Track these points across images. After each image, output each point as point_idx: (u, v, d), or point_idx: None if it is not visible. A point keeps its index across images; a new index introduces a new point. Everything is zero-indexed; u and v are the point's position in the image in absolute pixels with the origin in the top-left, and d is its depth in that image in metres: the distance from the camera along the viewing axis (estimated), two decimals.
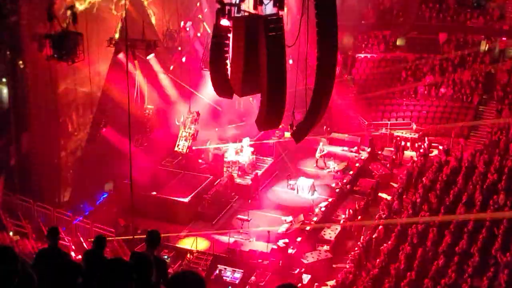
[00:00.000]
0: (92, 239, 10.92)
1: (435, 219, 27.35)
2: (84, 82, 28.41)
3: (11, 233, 23.50)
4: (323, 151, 36.51)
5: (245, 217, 29.85)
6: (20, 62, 25.22)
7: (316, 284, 25.64)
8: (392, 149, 37.63)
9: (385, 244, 26.74)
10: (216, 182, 33.50)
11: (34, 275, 5.80)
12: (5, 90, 26.05)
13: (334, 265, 27.58)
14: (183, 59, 35.96)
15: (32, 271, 5.89)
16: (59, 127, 26.59)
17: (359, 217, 30.59)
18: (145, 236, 9.36)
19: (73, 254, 23.77)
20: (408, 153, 37.05)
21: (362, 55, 43.21)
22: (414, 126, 38.80)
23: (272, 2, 15.89)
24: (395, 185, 33.25)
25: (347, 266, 25.92)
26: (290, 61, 28.07)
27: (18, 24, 24.45)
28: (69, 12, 24.38)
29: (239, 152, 35.08)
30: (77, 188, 28.65)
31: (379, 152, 37.80)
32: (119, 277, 5.86)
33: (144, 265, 7.24)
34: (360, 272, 25.87)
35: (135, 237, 25.21)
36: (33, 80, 25.40)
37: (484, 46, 41.23)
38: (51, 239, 9.82)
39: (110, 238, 26.55)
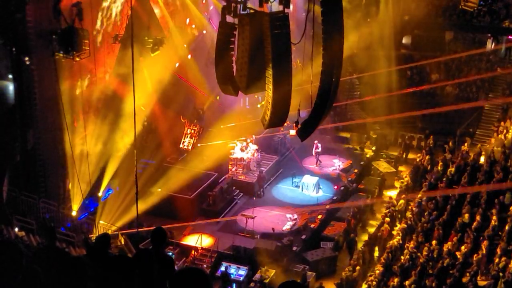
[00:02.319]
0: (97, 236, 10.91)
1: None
2: (90, 78, 28.46)
3: (16, 229, 23.55)
4: (318, 148, 36.55)
5: (250, 215, 29.86)
6: (26, 58, 25.19)
7: (320, 281, 25.64)
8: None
9: (390, 242, 26.73)
10: (221, 179, 33.56)
11: (39, 271, 5.82)
12: (11, 87, 26.06)
13: (338, 263, 27.58)
14: (189, 57, 35.96)
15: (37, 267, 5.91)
16: (65, 124, 26.59)
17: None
18: (150, 234, 9.33)
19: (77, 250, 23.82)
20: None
21: None
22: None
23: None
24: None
25: (352, 264, 25.88)
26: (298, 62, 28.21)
27: (24, 21, 24.42)
28: (75, 9, 24.40)
29: (244, 150, 35.09)
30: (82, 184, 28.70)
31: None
32: (123, 274, 5.89)
33: (148, 262, 7.24)
34: (365, 270, 25.87)
35: (139, 230, 25.31)
36: (39, 77, 25.38)
37: (490, 45, 41.11)
38: (48, 240, 9.72)
39: (115, 233, 26.70)
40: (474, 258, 24.37)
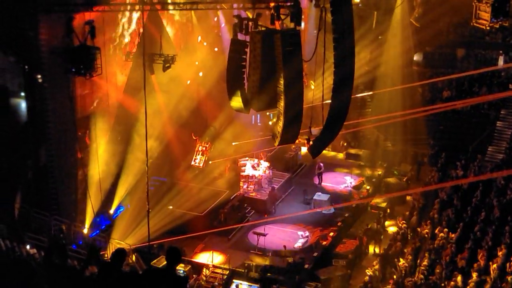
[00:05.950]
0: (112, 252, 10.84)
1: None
2: (102, 96, 28.60)
3: (28, 247, 23.56)
4: (321, 168, 36.56)
5: (262, 232, 29.75)
6: (39, 76, 25.37)
7: None
8: None
9: (402, 260, 26.54)
10: (233, 196, 33.53)
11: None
12: (23, 104, 26.20)
13: (351, 281, 27.42)
14: (200, 74, 36.08)
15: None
16: (77, 141, 26.71)
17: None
18: (166, 252, 9.30)
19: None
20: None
21: None
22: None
23: (289, 17, 15.96)
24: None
25: (364, 282, 25.72)
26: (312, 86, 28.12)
27: (37, 39, 24.63)
28: (87, 27, 24.56)
29: (256, 167, 35.05)
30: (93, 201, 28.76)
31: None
32: None
33: (157, 281, 7.25)
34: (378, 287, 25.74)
35: (150, 246, 25.24)
36: (52, 94, 25.53)
37: (502, 62, 40.99)
38: (59, 258, 9.59)
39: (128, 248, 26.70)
40: (492, 273, 24.13)
